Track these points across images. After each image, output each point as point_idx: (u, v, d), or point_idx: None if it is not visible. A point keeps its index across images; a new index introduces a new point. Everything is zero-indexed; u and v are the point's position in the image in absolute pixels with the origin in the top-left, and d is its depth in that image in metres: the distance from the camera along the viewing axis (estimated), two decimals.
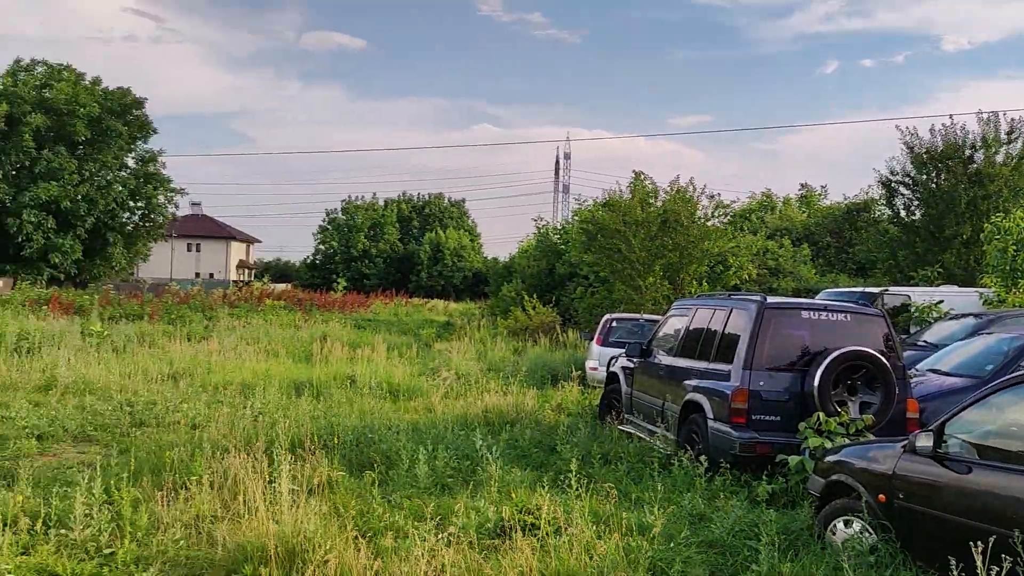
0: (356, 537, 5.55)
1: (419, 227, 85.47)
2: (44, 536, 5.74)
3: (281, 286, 57.42)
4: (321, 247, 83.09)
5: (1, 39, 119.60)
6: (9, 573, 4.93)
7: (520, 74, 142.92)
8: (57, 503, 6.28)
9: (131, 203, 52.23)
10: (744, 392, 8.33)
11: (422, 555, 5.24)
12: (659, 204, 22.90)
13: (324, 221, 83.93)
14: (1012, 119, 24.66)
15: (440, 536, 5.59)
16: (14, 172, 46.59)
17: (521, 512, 6.47)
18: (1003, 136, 24.44)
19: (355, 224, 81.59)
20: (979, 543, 4.35)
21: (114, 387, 13.33)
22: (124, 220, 51.84)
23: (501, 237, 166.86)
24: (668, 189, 23.03)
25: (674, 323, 10.90)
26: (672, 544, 6.07)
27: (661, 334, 11.13)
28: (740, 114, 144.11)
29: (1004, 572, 3.86)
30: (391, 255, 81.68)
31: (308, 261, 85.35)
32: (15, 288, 38.73)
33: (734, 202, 26.28)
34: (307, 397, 12.84)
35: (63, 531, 5.79)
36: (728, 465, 8.12)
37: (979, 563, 3.87)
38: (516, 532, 5.93)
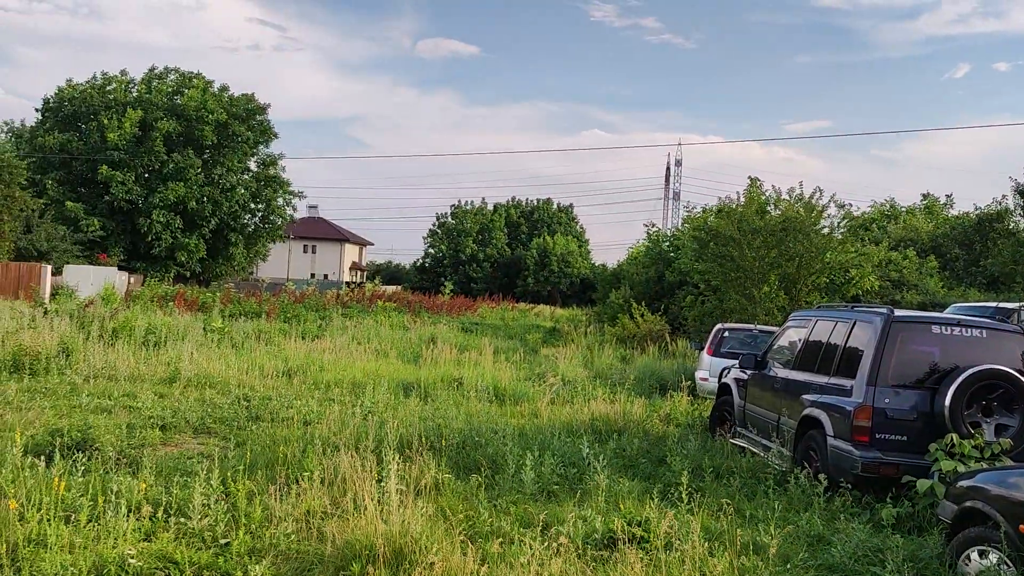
0: (463, 541, 5.51)
1: (527, 232, 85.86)
2: (164, 523, 5.93)
3: (391, 288, 58.64)
4: (431, 251, 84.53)
5: (137, 48, 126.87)
6: (132, 558, 5.10)
7: (632, 79, 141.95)
8: (177, 492, 6.48)
9: (252, 205, 54.41)
10: (867, 409, 7.91)
11: (528, 562, 5.15)
12: (776, 212, 22.17)
13: (434, 225, 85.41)
14: None
15: (547, 544, 5.49)
16: (146, 175, 49.21)
17: (630, 524, 6.30)
18: None
19: (464, 228, 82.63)
20: None
21: (232, 382, 13.81)
22: (245, 221, 54.04)
23: (609, 244, 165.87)
24: (788, 196, 22.27)
25: (791, 335, 10.49)
26: (788, 566, 5.80)
27: (777, 346, 10.73)
28: (861, 120, 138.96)
29: None
30: (498, 259, 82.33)
31: (418, 264, 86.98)
32: (144, 285, 40.88)
33: (857, 211, 25.27)
34: (415, 398, 13.00)
35: (182, 519, 5.98)
36: (849, 485, 7.73)
37: None
38: (624, 544, 5.78)
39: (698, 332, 23.49)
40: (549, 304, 67.75)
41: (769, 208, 22.56)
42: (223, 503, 6.26)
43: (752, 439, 10.25)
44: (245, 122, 52.22)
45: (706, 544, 5.89)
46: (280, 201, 55.29)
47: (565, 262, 79.30)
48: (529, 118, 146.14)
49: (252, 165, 54.58)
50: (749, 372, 10.93)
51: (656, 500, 7.07)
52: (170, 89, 51.77)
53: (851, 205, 24.03)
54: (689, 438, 10.41)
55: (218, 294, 34.07)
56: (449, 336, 25.23)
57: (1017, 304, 15.86)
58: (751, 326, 16.77)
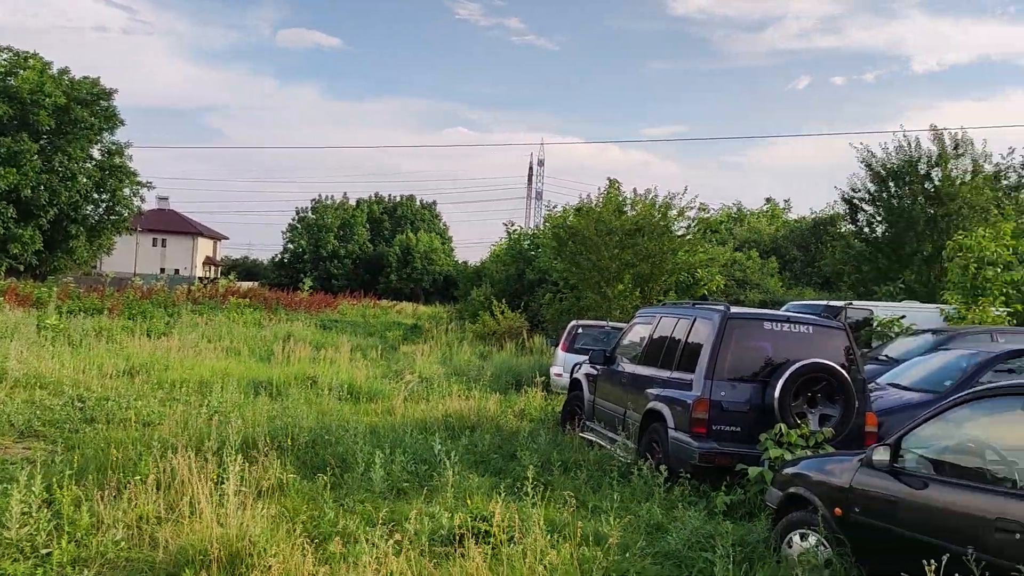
0: (304, 542, 5.40)
1: (390, 229, 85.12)
2: None
3: (248, 284, 56.75)
4: (290, 246, 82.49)
5: None
6: None
7: (497, 79, 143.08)
8: None
9: (95, 195, 51.39)
10: (705, 402, 8.28)
11: (370, 562, 5.10)
12: (632, 213, 22.89)
13: (294, 220, 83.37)
14: (957, 136, 25.05)
15: (390, 543, 5.45)
16: None
17: (476, 519, 6.35)
18: (950, 151, 24.82)
19: (325, 224, 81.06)
20: (932, 560, 4.31)
21: (67, 382, 12.99)
22: (88, 212, 50.99)
23: (473, 241, 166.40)
24: (643, 198, 23.01)
25: (638, 331, 10.84)
26: (627, 555, 5.98)
27: (625, 342, 11.07)
28: (714, 126, 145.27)
29: None
30: (360, 256, 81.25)
31: (276, 260, 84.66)
32: None
33: (708, 214, 26.20)
34: (265, 397, 12.64)
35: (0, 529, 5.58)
36: (688, 475, 8.06)
37: None
38: (469, 540, 5.81)
39: (556, 329, 23.94)
40: (412, 302, 67.39)
41: (626, 209, 23.25)
42: (46, 511, 5.89)
43: (600, 432, 10.53)
44: (88, 107, 49.23)
45: (549, 536, 6.01)
46: (127, 191, 52.42)
47: (428, 259, 79.13)
48: (394, 114, 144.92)
49: (96, 153, 51.52)
50: (598, 368, 11.22)
51: (503, 495, 7.15)
52: (2, 69, 48.20)
53: (707, 209, 24.91)
54: (540, 433, 10.58)
55: (55, 289, 32.03)
56: (306, 334, 24.71)
57: (844, 302, 17.01)
58: (604, 323, 17.23)
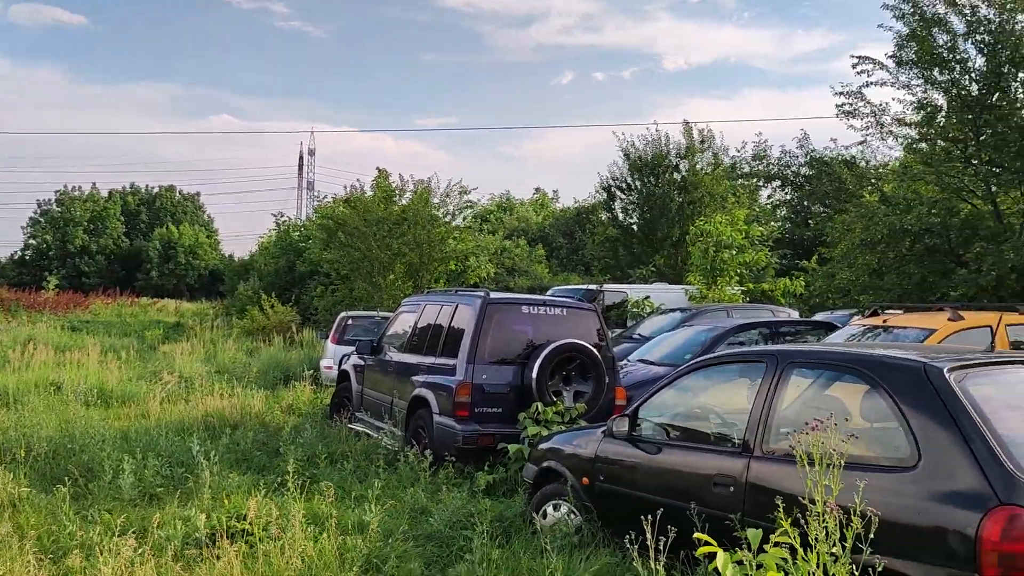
0: (36, 559, 4.99)
1: (147, 222, 79.75)
2: None
3: None
4: (32, 242, 75.09)
5: None
6: None
7: (264, 66, 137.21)
8: None
9: None
10: (467, 385, 8.50)
11: (112, 572, 4.81)
12: (403, 203, 22.97)
13: (35, 213, 75.95)
14: (702, 130, 27.38)
15: (138, 551, 5.16)
16: None
17: (232, 518, 6.14)
18: (697, 144, 27.06)
19: (72, 217, 74.54)
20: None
21: None
22: None
23: (241, 234, 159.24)
24: (413, 187, 23.13)
25: (405, 319, 10.92)
26: (390, 540, 6.03)
27: (391, 331, 11.12)
28: (485, 118, 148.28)
29: (670, 540, 4.19)
30: (115, 251, 75.53)
31: (16, 257, 76.71)
32: None
33: (477, 201, 26.84)
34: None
35: None
36: (452, 458, 8.24)
37: (648, 534, 4.17)
38: (224, 539, 5.62)
39: (327, 321, 23.59)
40: (175, 298, 63.62)
41: (395, 199, 23.28)
42: None
43: (368, 422, 10.53)
44: None
45: (309, 529, 5.94)
46: None
47: (193, 254, 75.00)
48: (151, 100, 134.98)
49: None
50: (367, 358, 11.20)
51: (264, 492, 6.97)
52: None
53: (474, 191, 25.33)
54: (307, 427, 10.40)
55: None
56: (51, 336, 22.71)
57: (600, 286, 18.06)
58: (374, 313, 17.20)
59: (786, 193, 30.20)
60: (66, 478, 7.41)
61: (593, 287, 17.84)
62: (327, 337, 17.04)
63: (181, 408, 11.91)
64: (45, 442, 8.65)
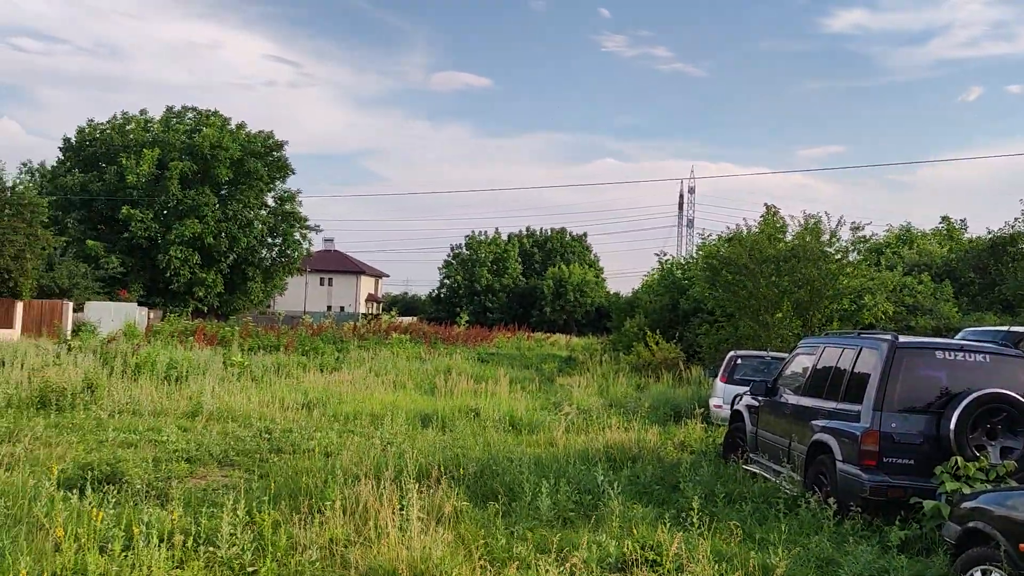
0: (484, 566, 5.72)
1: (541, 262, 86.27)
2: (195, 553, 6.18)
3: (407, 319, 58.96)
4: (446, 281, 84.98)
5: (155, 86, 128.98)
6: None
7: (643, 109, 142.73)
8: (206, 522, 6.74)
9: (269, 240, 55.12)
10: (875, 433, 8.09)
11: None
12: (789, 239, 22.38)
13: (449, 256, 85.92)
14: None
15: (562, 568, 5.69)
16: (165, 212, 50.02)
17: (643, 548, 6.49)
18: None
19: (478, 259, 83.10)
20: None
21: (254, 415, 14.08)
22: (263, 256, 54.71)
23: (624, 272, 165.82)
24: (801, 223, 22.41)
25: (801, 361, 10.68)
26: None
27: (787, 372, 10.92)
28: (875, 145, 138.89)
29: None
30: (513, 289, 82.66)
31: (433, 295, 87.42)
32: (164, 320, 41.38)
33: (872, 236, 24.89)
34: (432, 429, 13.23)
35: (211, 548, 6.22)
36: (858, 508, 7.88)
37: None
38: (636, 567, 5.97)
39: (712, 359, 23.63)
40: (565, 333, 67.87)
41: (780, 235, 22.75)
42: (249, 532, 6.50)
43: (764, 464, 10.41)
44: (262, 159, 53.04)
45: (716, 566, 6.08)
46: (296, 235, 55.99)
47: (581, 291, 79.54)
48: (542, 149, 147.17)
49: (269, 200, 55.37)
50: (760, 399, 11.11)
51: (668, 525, 7.26)
52: (188, 127, 52.73)
53: (867, 226, 23.59)
54: (702, 464, 10.57)
55: (237, 328, 34.49)
56: (465, 367, 25.46)
57: None
58: (764, 353, 16.92)
59: None
60: (496, 496, 8.34)
61: (1019, 329, 15.84)
62: (715, 375, 17.10)
63: (583, 439, 12.74)
64: (474, 463, 9.79)
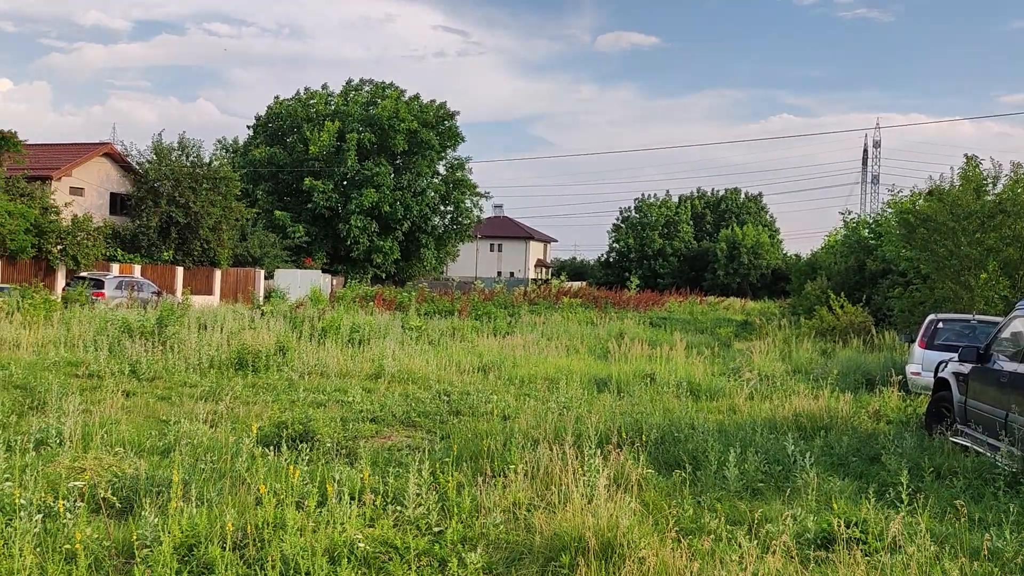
0: (674, 537, 5.46)
1: (713, 224, 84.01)
2: (383, 511, 6.28)
3: (577, 284, 59.06)
4: (616, 245, 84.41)
5: (334, 63, 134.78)
6: (360, 542, 5.44)
7: (823, 60, 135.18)
8: (393, 482, 6.84)
9: (441, 207, 56.54)
10: None
11: (742, 560, 5.04)
12: (997, 191, 20.39)
13: (618, 219, 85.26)
14: None
15: (759, 542, 5.35)
16: (344, 183, 52.27)
17: (847, 524, 6.01)
18: None
19: (648, 222, 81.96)
20: None
21: (432, 377, 14.40)
22: (435, 223, 56.23)
23: (801, 232, 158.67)
24: (1010, 174, 20.34)
25: (1018, 325, 9.63)
26: None
27: (1003, 336, 9.89)
28: None
29: None
30: (685, 252, 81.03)
31: (602, 259, 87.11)
32: (346, 286, 43.43)
33: None
34: (608, 393, 13.02)
35: (399, 508, 6.30)
36: None
37: None
38: (841, 545, 5.52)
39: (906, 324, 22.07)
40: (739, 297, 65.90)
41: (987, 187, 20.78)
42: (434, 493, 6.54)
43: (976, 437, 9.50)
44: (434, 128, 54.30)
45: (933, 547, 5.53)
46: (467, 203, 57.15)
47: (755, 253, 76.89)
48: (713, 107, 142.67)
49: (441, 169, 56.70)
50: (970, 366, 10.14)
51: (872, 500, 6.72)
52: (365, 100, 54.69)
53: None
54: (903, 436, 9.80)
55: (414, 293, 35.65)
56: (637, 331, 25.11)
57: None
58: (969, 316, 15.52)
59: None
60: (681, 464, 8.04)
61: None
62: (912, 340, 15.88)
63: (767, 406, 12.15)
64: (654, 429, 9.49)
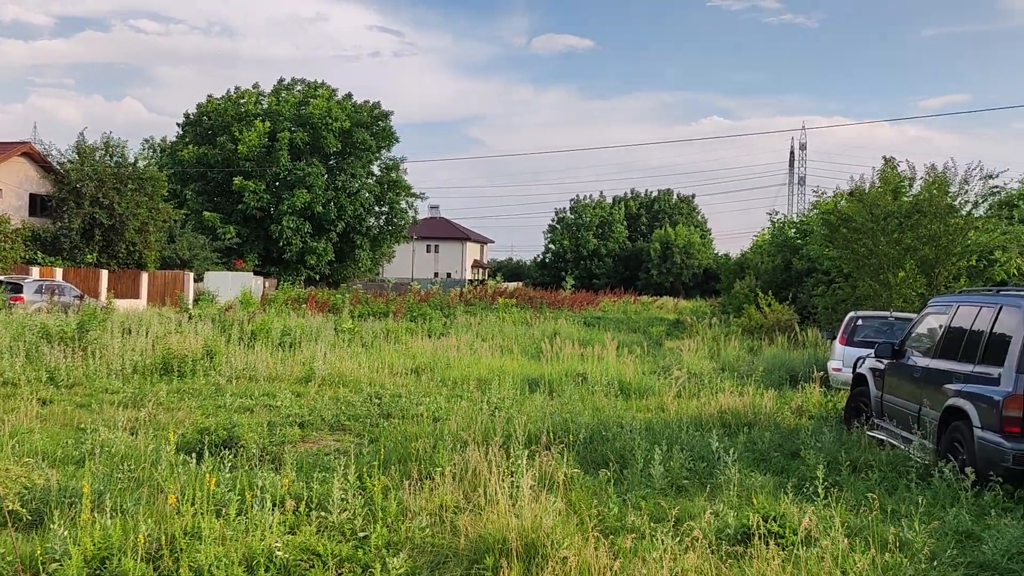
0: (596, 536, 5.52)
1: (647, 224, 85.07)
2: (307, 517, 6.20)
3: (513, 284, 59.22)
4: (551, 246, 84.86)
5: (264, 62, 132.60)
6: (279, 550, 5.36)
7: (750, 64, 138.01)
8: (318, 487, 6.76)
9: (376, 208, 56.11)
10: (1018, 398, 7.46)
11: (661, 557, 5.11)
12: (913, 193, 21.08)
13: (553, 220, 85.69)
14: None
15: (679, 539, 5.43)
16: (276, 184, 51.47)
17: (765, 519, 6.15)
18: None
19: (583, 223, 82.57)
20: None
21: (364, 380, 14.28)
22: (370, 224, 55.76)
23: (732, 232, 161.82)
24: (925, 176, 21.03)
25: (931, 322, 9.99)
26: (936, 563, 5.54)
27: (916, 333, 10.24)
28: (1000, 92, 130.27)
29: None
30: (620, 253, 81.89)
31: (539, 260, 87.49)
32: (278, 288, 42.76)
33: (1003, 187, 22.80)
34: (540, 393, 13.09)
35: (323, 513, 6.23)
36: (999, 479, 7.30)
37: None
38: (759, 539, 5.65)
39: (829, 321, 22.69)
40: (672, 296, 66.88)
41: (904, 189, 21.47)
42: (360, 497, 6.48)
43: (891, 431, 9.82)
44: (368, 128, 53.85)
45: (846, 540, 5.69)
46: (403, 203, 56.83)
47: (687, 253, 78.14)
48: (645, 109, 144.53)
49: (375, 169, 56.25)
50: (886, 361, 10.48)
51: (791, 495, 6.88)
52: (297, 100, 53.93)
53: (998, 176, 21.58)
54: (823, 431, 10.06)
55: (347, 295, 35.27)
56: (571, 331, 25.28)
57: None
58: (886, 313, 16.04)
59: None
60: (608, 463, 8.12)
61: None
62: (833, 337, 16.34)
63: (695, 404, 12.35)
64: (583, 428, 9.58)
